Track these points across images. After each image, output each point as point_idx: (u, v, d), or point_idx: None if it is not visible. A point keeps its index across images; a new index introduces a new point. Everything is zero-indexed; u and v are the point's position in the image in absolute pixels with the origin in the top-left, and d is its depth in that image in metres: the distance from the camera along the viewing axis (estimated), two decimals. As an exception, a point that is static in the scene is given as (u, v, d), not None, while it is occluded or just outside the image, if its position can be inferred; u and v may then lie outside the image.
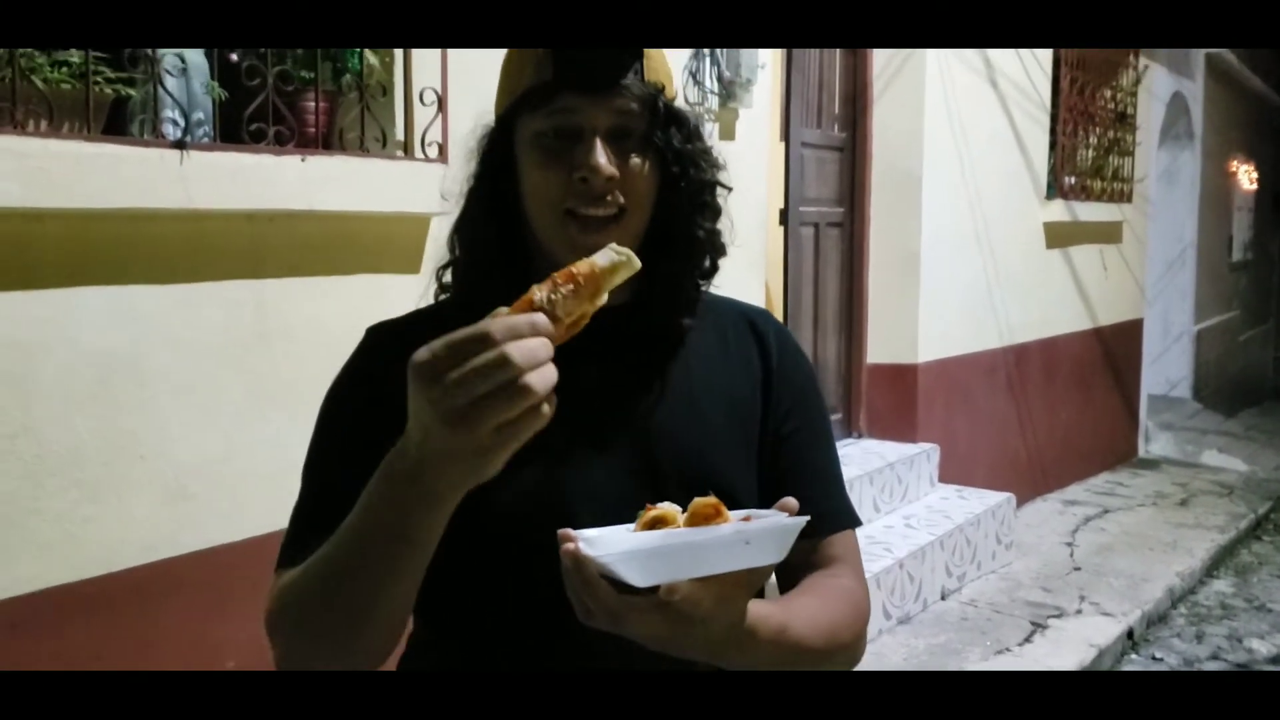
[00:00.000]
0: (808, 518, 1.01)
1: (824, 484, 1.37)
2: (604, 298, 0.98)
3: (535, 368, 0.89)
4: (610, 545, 0.95)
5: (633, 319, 1.29)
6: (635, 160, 1.23)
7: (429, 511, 0.99)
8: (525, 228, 1.27)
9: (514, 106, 1.25)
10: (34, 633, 2.35)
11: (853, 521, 1.38)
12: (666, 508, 1.00)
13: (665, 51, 1.29)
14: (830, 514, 1.35)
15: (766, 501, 1.30)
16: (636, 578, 0.93)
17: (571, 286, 0.95)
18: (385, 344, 1.32)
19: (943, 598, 5.04)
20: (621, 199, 1.22)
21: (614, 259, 0.98)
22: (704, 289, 1.36)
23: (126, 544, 2.51)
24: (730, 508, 1.17)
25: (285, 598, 1.17)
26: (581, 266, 0.97)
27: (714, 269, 1.34)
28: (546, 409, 0.91)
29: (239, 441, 2.72)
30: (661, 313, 1.31)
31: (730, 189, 1.34)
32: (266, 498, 2.77)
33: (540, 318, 0.92)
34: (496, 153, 1.28)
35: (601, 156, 1.20)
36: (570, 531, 1.00)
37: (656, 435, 1.27)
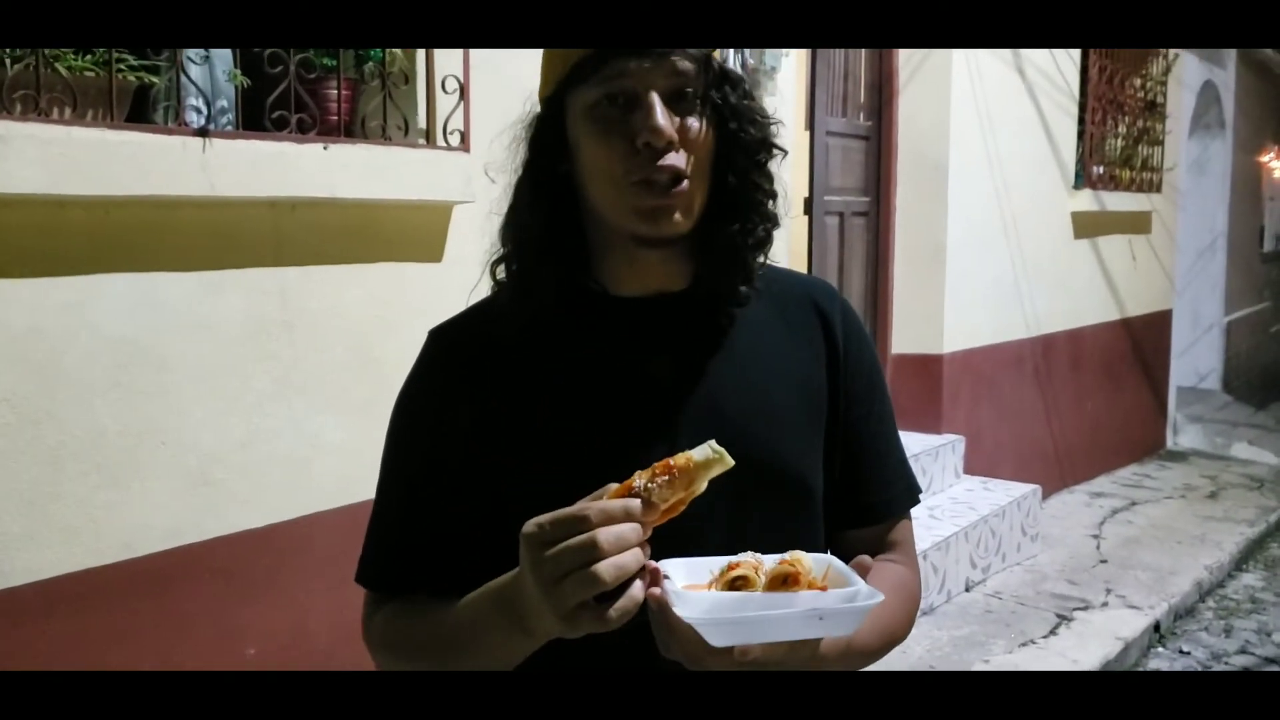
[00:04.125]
0: (882, 597, 1.03)
1: (890, 468, 1.38)
2: (702, 486, 1.05)
3: (620, 552, 0.99)
4: (694, 605, 1.01)
5: (695, 297, 1.28)
6: (693, 121, 1.20)
7: (526, 645, 1.11)
8: (581, 209, 1.25)
9: (563, 83, 1.21)
10: (56, 618, 2.37)
11: (914, 497, 1.40)
12: (747, 565, 1.05)
13: None
14: (893, 500, 1.37)
15: (832, 485, 1.32)
16: (715, 640, 1.00)
17: (667, 477, 1.03)
18: (450, 349, 1.31)
19: (967, 589, 5.01)
20: (681, 161, 1.19)
21: (709, 455, 1.05)
22: (762, 261, 1.32)
23: (148, 529, 2.52)
24: (799, 492, 1.26)
25: (391, 652, 1.27)
26: (679, 459, 1.04)
27: (768, 238, 1.30)
28: (614, 615, 1.00)
29: (261, 428, 2.73)
30: (722, 280, 1.27)
31: (786, 151, 1.30)
32: (288, 484, 2.78)
33: (634, 503, 1.01)
34: (546, 136, 1.25)
35: (663, 118, 1.16)
36: (658, 569, 1.05)
37: (727, 425, 1.25)
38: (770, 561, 1.05)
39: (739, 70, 1.28)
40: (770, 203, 1.28)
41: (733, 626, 1.00)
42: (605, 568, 0.98)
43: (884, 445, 1.38)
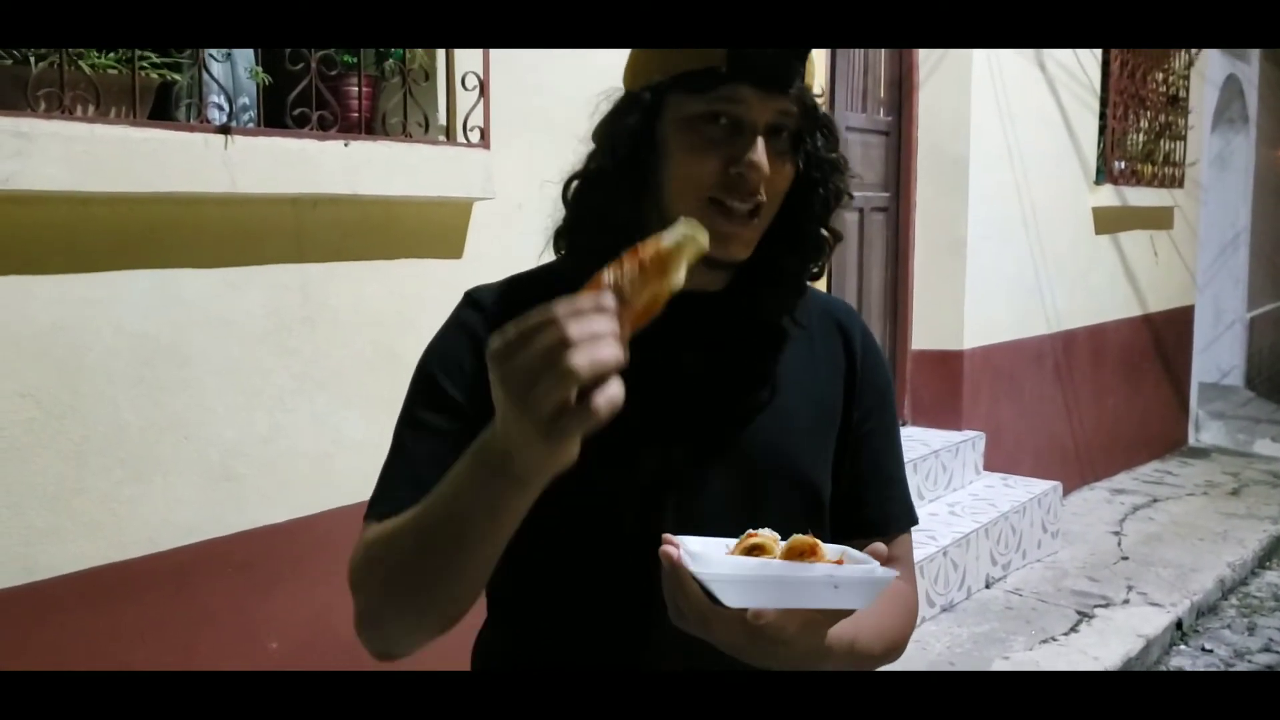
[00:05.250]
0: (897, 573, 1.04)
1: (892, 487, 1.41)
2: (679, 278, 0.96)
3: (591, 343, 0.89)
4: (710, 564, 1.00)
5: (740, 306, 1.30)
6: (783, 159, 1.23)
7: (515, 495, 1.01)
8: (650, 200, 1.25)
9: (669, 84, 1.22)
10: (79, 611, 2.39)
11: (913, 522, 1.43)
12: (766, 536, 1.04)
13: None
14: (895, 517, 1.40)
15: (836, 497, 1.35)
16: (729, 599, 0.99)
17: (637, 267, 0.94)
18: (482, 306, 1.31)
19: (987, 586, 5.00)
20: (764, 195, 1.22)
21: (680, 237, 0.96)
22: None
23: (171, 524, 2.54)
24: (811, 499, 1.29)
25: (371, 555, 1.19)
26: (646, 248, 0.95)
27: (823, 271, 1.35)
28: (602, 403, 0.90)
29: (283, 423, 2.74)
30: (775, 308, 1.32)
31: (853, 196, 1.36)
32: (310, 479, 2.79)
33: (606, 296, 0.91)
34: (637, 124, 1.25)
35: (762, 155, 1.19)
36: (674, 539, 1.04)
37: (748, 428, 1.29)
38: (829, 550, 1.05)
39: (831, 118, 1.30)
40: (833, 242, 1.33)
41: (748, 586, 0.99)
42: (579, 360, 0.88)
43: (888, 464, 1.41)
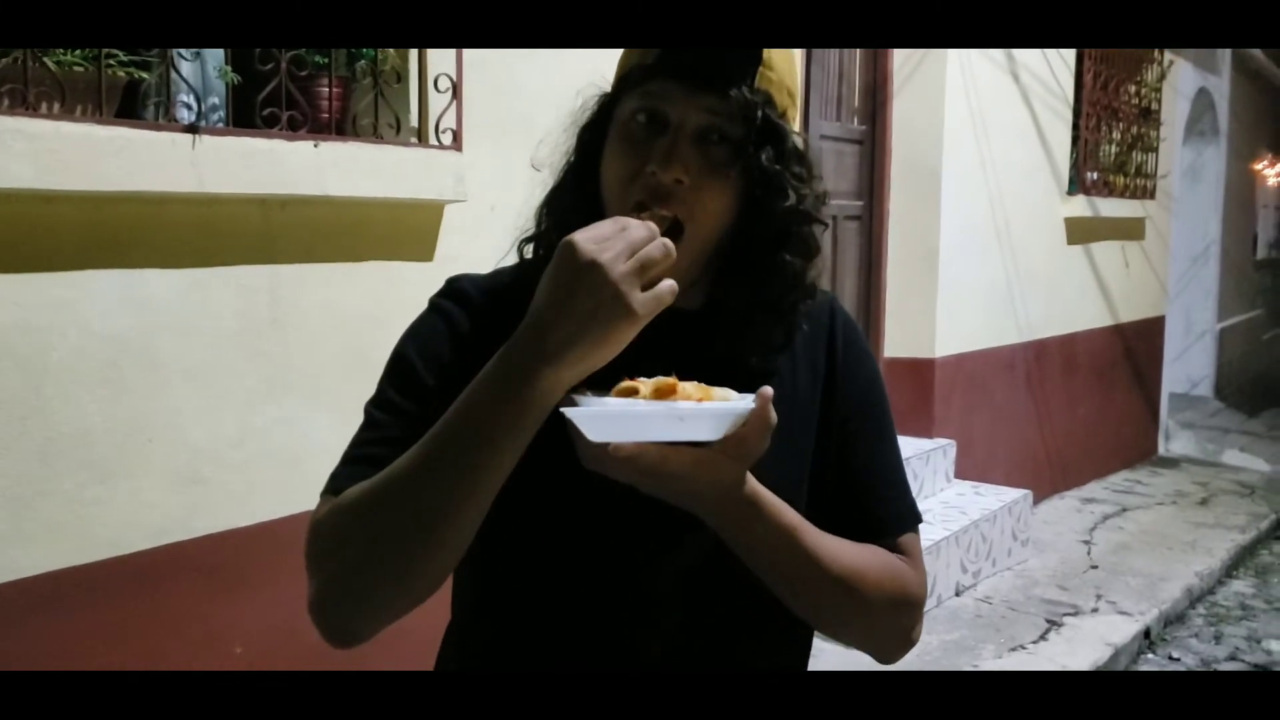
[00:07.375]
0: (749, 405, 1.05)
1: (888, 486, 1.32)
2: None
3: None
4: (579, 406, 1.05)
5: (699, 332, 1.23)
6: (714, 168, 1.15)
7: (532, 406, 1.03)
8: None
9: (617, 86, 1.21)
10: (44, 615, 2.36)
11: (915, 522, 1.33)
12: (643, 381, 1.09)
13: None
14: (894, 518, 1.31)
15: (826, 501, 1.28)
16: (590, 434, 1.04)
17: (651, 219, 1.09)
18: (465, 296, 1.28)
19: (957, 594, 5.01)
20: (688, 205, 1.14)
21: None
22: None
23: (137, 527, 2.51)
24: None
25: (347, 516, 1.11)
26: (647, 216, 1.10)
27: (790, 309, 1.25)
28: (672, 283, 1.03)
29: (251, 426, 2.72)
30: (726, 339, 1.23)
31: (826, 225, 1.25)
32: (279, 482, 2.77)
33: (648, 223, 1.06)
34: (596, 129, 1.23)
35: (674, 155, 1.13)
36: (587, 393, 1.07)
37: None
38: (719, 393, 1.09)
39: (792, 132, 1.20)
40: (796, 271, 1.22)
41: (599, 421, 1.03)
42: (670, 246, 1.03)
43: (879, 462, 1.32)
